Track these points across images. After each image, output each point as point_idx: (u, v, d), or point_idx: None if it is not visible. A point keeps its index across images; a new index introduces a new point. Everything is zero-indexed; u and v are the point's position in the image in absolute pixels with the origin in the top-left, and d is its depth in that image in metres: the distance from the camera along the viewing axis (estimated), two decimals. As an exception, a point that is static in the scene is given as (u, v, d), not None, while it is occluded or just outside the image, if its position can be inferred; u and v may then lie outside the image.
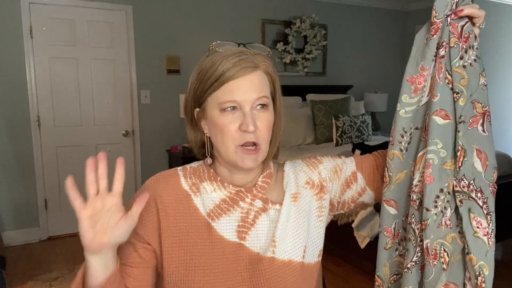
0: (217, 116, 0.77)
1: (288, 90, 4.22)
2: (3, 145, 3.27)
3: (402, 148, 0.79)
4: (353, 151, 3.08)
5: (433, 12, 0.72)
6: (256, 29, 4.19)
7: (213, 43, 0.81)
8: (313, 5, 4.47)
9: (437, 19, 0.72)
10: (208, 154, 0.85)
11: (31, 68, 3.29)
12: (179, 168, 0.89)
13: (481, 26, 0.75)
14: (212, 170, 0.86)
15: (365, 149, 2.96)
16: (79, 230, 0.68)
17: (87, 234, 0.67)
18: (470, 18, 0.73)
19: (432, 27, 0.73)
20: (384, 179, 0.82)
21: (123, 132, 3.72)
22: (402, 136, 0.79)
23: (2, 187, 3.30)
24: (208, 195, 0.84)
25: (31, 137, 3.35)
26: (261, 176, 0.86)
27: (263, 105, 0.78)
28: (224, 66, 0.75)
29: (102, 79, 3.58)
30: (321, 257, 0.88)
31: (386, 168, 0.82)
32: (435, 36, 0.73)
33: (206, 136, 0.84)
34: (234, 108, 0.76)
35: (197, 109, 0.82)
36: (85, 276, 0.72)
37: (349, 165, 0.91)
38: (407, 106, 0.77)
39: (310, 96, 4.27)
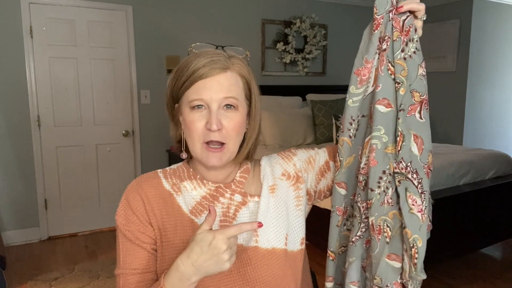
0: (187, 114, 0.81)
1: (288, 90, 4.26)
2: (3, 145, 3.27)
3: (351, 134, 0.87)
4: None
5: (374, 9, 0.80)
6: (256, 29, 4.19)
7: (192, 45, 0.85)
8: (313, 5, 4.47)
9: (378, 16, 0.79)
10: (183, 149, 0.88)
11: (31, 68, 3.29)
12: (158, 170, 0.92)
13: (422, 18, 0.80)
14: (191, 169, 0.90)
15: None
16: (222, 260, 0.70)
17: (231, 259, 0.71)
18: (412, 12, 0.79)
19: (374, 23, 0.80)
20: (336, 164, 0.90)
21: (123, 132, 3.72)
22: (351, 124, 0.86)
23: (2, 187, 3.30)
24: (189, 193, 0.87)
25: (31, 137, 3.35)
26: (239, 171, 0.90)
27: (230, 106, 0.81)
28: (195, 66, 0.79)
29: (102, 79, 3.58)
30: (304, 245, 0.91)
31: (337, 154, 0.89)
32: (376, 31, 0.80)
33: (182, 132, 0.87)
34: (201, 106, 0.80)
35: (177, 105, 0.87)
36: None
37: (321, 155, 0.96)
38: (354, 96, 0.85)
39: (310, 96, 4.27)
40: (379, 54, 0.80)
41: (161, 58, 3.77)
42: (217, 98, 0.79)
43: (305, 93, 4.35)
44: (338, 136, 0.88)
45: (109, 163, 3.70)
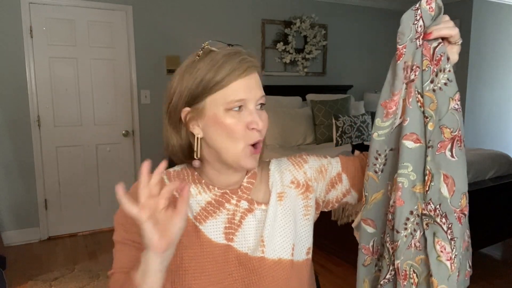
0: (222, 116, 0.76)
1: (288, 90, 4.26)
2: (3, 145, 3.27)
3: (377, 169, 0.80)
4: (353, 152, 3.08)
5: (397, 38, 0.73)
6: (256, 29, 4.19)
7: (206, 42, 0.79)
8: (313, 5, 4.47)
9: (399, 45, 0.73)
10: (197, 156, 0.82)
11: (31, 68, 3.29)
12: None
13: (458, 43, 0.74)
14: (196, 173, 0.86)
15: (365, 150, 2.95)
16: (143, 234, 0.64)
17: (154, 235, 0.64)
18: (444, 38, 0.72)
19: (396, 53, 0.74)
20: (362, 199, 0.84)
21: (123, 132, 3.72)
22: (376, 158, 0.80)
23: (2, 187, 3.30)
24: (193, 198, 0.84)
25: (31, 137, 3.35)
26: (246, 177, 0.87)
27: (263, 104, 0.80)
28: (230, 65, 0.74)
29: (102, 79, 3.58)
30: (310, 254, 0.89)
31: (363, 189, 0.83)
32: (399, 61, 0.73)
33: (197, 138, 0.81)
34: (240, 107, 0.76)
35: (188, 109, 0.79)
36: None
37: (334, 165, 0.92)
38: (380, 129, 0.79)
39: (310, 96, 4.27)
40: (406, 84, 0.74)
41: (161, 58, 3.77)
42: (257, 97, 0.77)
43: (305, 93, 4.35)
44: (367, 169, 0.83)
45: (109, 163, 3.70)
